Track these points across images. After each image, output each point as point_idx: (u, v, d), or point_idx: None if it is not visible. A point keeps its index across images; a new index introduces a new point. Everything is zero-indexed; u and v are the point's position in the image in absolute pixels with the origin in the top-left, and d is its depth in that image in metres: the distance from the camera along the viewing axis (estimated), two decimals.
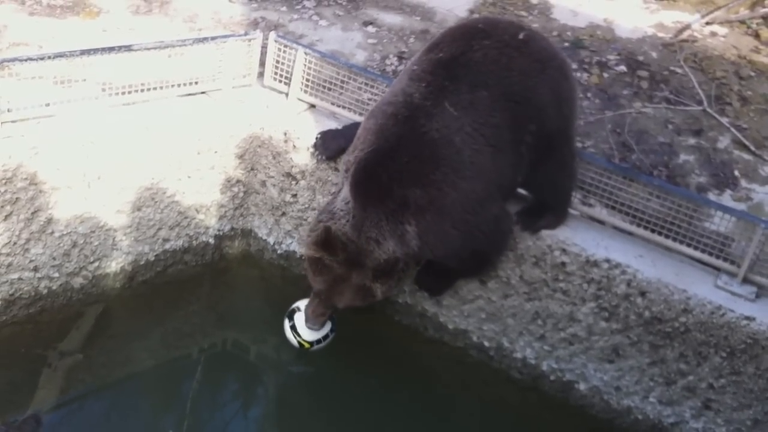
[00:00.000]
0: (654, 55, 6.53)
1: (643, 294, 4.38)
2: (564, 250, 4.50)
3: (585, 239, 4.51)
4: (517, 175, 4.33)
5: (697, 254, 4.45)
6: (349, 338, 4.98)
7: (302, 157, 5.02)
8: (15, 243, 4.49)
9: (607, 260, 4.42)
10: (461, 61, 4.20)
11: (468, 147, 4.12)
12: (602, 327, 4.54)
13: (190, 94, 4.99)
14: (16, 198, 4.40)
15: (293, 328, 4.57)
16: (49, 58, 4.54)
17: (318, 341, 4.58)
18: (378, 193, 4.11)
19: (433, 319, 5.03)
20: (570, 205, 4.65)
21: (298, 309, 4.58)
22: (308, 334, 4.55)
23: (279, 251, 5.38)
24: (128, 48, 4.75)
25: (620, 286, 4.42)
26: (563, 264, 4.51)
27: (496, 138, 4.17)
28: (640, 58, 6.45)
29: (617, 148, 5.48)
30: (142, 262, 5.06)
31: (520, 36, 4.31)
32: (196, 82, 5.00)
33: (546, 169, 4.38)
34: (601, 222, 4.68)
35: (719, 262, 4.41)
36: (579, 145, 5.41)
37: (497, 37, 4.28)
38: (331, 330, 4.62)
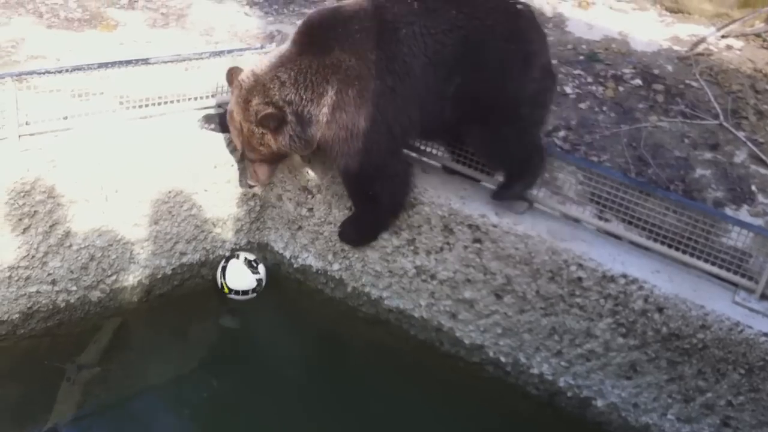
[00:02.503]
0: (669, 68, 6.53)
1: (660, 310, 4.36)
2: (580, 265, 4.49)
3: (601, 254, 4.50)
4: (437, 111, 4.40)
5: (715, 270, 4.43)
6: (362, 352, 5.00)
7: (318, 171, 5.03)
8: (33, 256, 4.51)
9: (624, 275, 4.41)
10: None
11: (407, 45, 4.29)
12: (619, 343, 4.52)
13: (206, 107, 5.01)
14: (35, 211, 4.42)
15: (223, 269, 5.13)
16: (67, 71, 4.55)
17: (237, 292, 5.10)
18: (320, 45, 4.31)
19: (448, 334, 5.02)
20: (533, 173, 4.65)
21: (237, 257, 5.12)
22: (232, 281, 5.07)
23: (295, 265, 5.38)
24: (145, 61, 4.77)
25: (637, 301, 4.40)
26: (580, 279, 4.50)
27: (436, 54, 4.31)
28: (656, 71, 6.45)
29: (633, 162, 5.47)
30: (159, 276, 5.07)
31: (519, 5, 4.48)
32: (213, 96, 5.02)
33: (485, 139, 4.52)
34: (617, 237, 4.66)
35: (737, 278, 4.38)
36: (594, 158, 5.42)
37: None
38: (254, 290, 5.10)
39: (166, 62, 4.82)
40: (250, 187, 4.91)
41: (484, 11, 4.40)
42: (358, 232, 4.98)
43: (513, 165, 4.65)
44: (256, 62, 4.51)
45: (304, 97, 4.33)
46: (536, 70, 4.50)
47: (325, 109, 4.34)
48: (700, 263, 4.44)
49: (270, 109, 4.33)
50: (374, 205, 4.74)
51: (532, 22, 4.55)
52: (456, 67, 4.35)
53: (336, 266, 5.24)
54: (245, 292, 5.10)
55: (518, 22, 4.47)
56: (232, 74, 4.52)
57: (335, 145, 4.45)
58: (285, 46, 4.46)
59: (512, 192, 4.69)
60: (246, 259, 5.14)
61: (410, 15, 4.31)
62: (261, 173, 4.73)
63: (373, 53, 4.28)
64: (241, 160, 4.82)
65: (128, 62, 4.72)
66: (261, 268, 5.18)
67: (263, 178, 4.78)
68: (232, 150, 4.86)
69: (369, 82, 4.30)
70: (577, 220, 4.74)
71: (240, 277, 5.10)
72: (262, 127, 4.40)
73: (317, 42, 4.34)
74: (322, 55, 4.30)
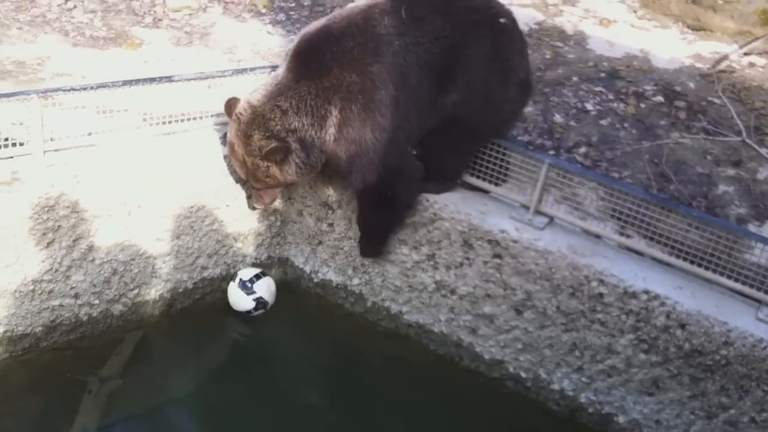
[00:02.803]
0: (691, 85, 6.50)
1: (682, 326, 4.32)
2: (602, 281, 4.46)
3: (623, 270, 4.48)
4: (429, 117, 4.50)
5: (738, 286, 4.38)
6: (382, 367, 4.99)
7: (338, 187, 5.06)
8: (56, 270, 4.56)
9: (646, 291, 4.38)
10: None
11: (402, 56, 4.35)
12: (641, 359, 4.49)
13: (228, 123, 5.06)
14: (58, 225, 4.47)
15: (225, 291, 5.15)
16: (92, 88, 4.62)
17: (240, 313, 5.10)
18: (317, 68, 4.33)
19: (468, 349, 5.01)
20: (455, 182, 4.84)
21: (233, 278, 5.10)
22: (232, 303, 5.09)
23: (315, 280, 5.40)
24: (169, 79, 4.83)
25: (659, 317, 4.37)
26: (601, 295, 4.48)
27: (428, 64, 4.40)
28: (678, 88, 6.42)
29: (655, 179, 5.44)
30: (180, 290, 5.10)
31: (502, 20, 4.58)
32: None
33: (439, 143, 4.59)
34: (639, 253, 4.63)
35: (760, 294, 4.33)
36: (615, 174, 5.40)
37: (486, 5, 4.60)
38: (256, 309, 5.06)
39: (189, 80, 4.89)
40: (255, 209, 4.94)
41: (468, 24, 4.46)
42: (375, 243, 4.99)
43: (448, 168, 4.79)
44: (251, 93, 4.50)
45: (306, 122, 4.37)
46: (513, 89, 4.65)
47: (331, 129, 4.38)
48: (723, 279, 4.40)
49: (274, 143, 4.36)
50: (389, 210, 4.78)
51: (514, 35, 4.65)
52: (444, 76, 4.44)
53: (356, 281, 5.25)
54: (248, 312, 5.09)
55: (500, 38, 4.56)
56: (231, 106, 4.53)
57: (348, 160, 4.47)
58: (280, 72, 4.46)
59: (426, 188, 4.77)
60: (241, 280, 5.08)
61: (401, 26, 4.36)
62: (267, 197, 4.78)
63: (373, 66, 4.33)
64: (247, 183, 4.85)
65: (152, 80, 4.79)
66: (259, 285, 5.09)
67: (269, 201, 4.83)
68: (237, 179, 4.90)
69: (373, 94, 4.34)
70: (597, 236, 4.72)
71: (236, 299, 5.10)
72: (267, 161, 4.43)
73: (314, 65, 4.35)
74: (320, 77, 4.33)
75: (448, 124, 4.55)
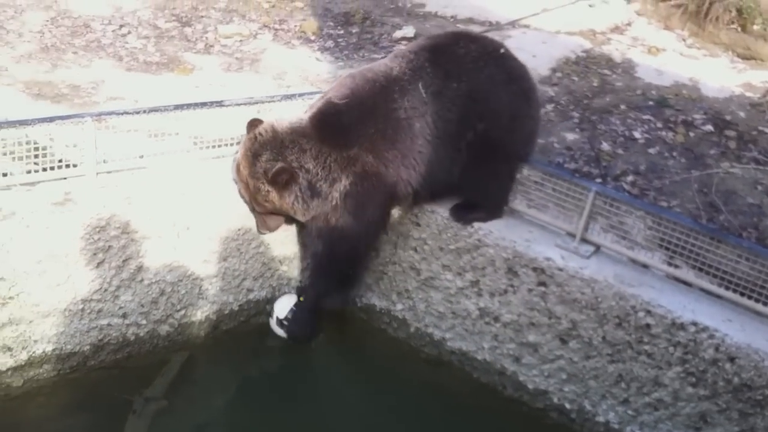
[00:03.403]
0: (742, 114, 6.43)
1: (732, 359, 4.24)
2: (649, 312, 4.40)
3: (671, 301, 4.41)
4: (453, 167, 4.65)
5: None
6: (424, 393, 4.96)
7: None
8: (106, 290, 4.63)
9: (694, 323, 4.31)
10: (444, 51, 4.68)
11: (422, 136, 4.56)
12: (689, 392, 4.41)
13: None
14: (109, 246, 4.55)
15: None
16: (144, 112, 4.74)
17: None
18: (342, 141, 4.54)
19: (512, 378, 4.96)
20: (502, 208, 4.89)
21: (270, 314, 5.08)
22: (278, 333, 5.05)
23: (359, 304, 5.41)
24: (219, 103, 4.93)
25: (708, 350, 4.29)
26: (648, 326, 4.42)
27: (446, 132, 4.59)
28: (728, 117, 6.35)
29: (704, 209, 5.37)
30: (226, 312, 5.15)
31: (501, 50, 4.77)
32: None
33: (480, 174, 4.68)
34: (687, 284, 4.56)
35: None
36: (664, 204, 5.34)
37: (482, 44, 4.80)
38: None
39: (239, 105, 4.98)
40: (262, 233, 4.98)
41: (478, 65, 4.62)
42: (307, 321, 5.05)
43: (491, 197, 4.84)
44: (277, 119, 4.66)
45: (320, 173, 4.53)
46: (534, 107, 4.86)
47: (335, 194, 4.56)
48: None
49: (281, 164, 4.49)
50: (336, 280, 4.95)
51: (516, 61, 4.82)
52: (466, 117, 4.58)
53: (399, 306, 5.25)
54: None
55: (508, 63, 4.75)
56: (253, 125, 4.65)
57: (336, 226, 4.63)
58: (305, 120, 4.59)
59: (475, 216, 4.83)
60: (278, 318, 5.06)
61: (422, 106, 4.56)
62: (271, 223, 4.87)
63: (389, 152, 4.54)
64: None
65: (203, 104, 4.89)
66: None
67: (273, 227, 4.90)
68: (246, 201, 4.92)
69: (383, 179, 4.56)
70: (645, 266, 4.66)
71: (278, 333, 5.09)
72: (270, 184, 4.54)
73: (339, 139, 4.55)
74: (341, 148, 4.53)
75: (482, 154, 4.61)
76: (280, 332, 5.06)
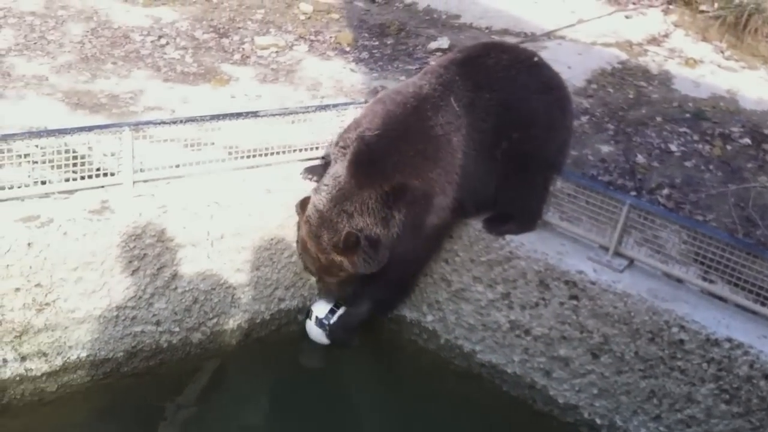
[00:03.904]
0: None
1: (766, 377, 4.17)
2: (682, 327, 4.35)
3: (705, 317, 4.36)
4: (492, 179, 4.62)
5: None
6: (453, 406, 4.94)
7: None
8: (140, 297, 4.69)
9: (729, 339, 4.25)
10: (475, 63, 4.66)
11: (461, 149, 4.53)
12: (722, 410, 4.34)
13: (310, 159, 5.16)
14: (144, 254, 4.61)
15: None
16: (181, 122, 4.81)
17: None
18: (380, 176, 4.49)
19: (542, 392, 4.93)
20: (536, 220, 4.85)
21: (309, 315, 5.13)
22: (315, 338, 5.11)
23: (390, 315, 5.42)
24: (255, 114, 4.98)
25: (742, 367, 4.23)
26: (681, 341, 4.37)
27: (482, 143, 4.56)
28: (766, 131, 6.27)
29: (740, 223, 5.30)
30: (258, 320, 5.18)
31: (535, 59, 4.77)
32: (317, 148, 5.18)
33: (513, 185, 4.65)
34: (722, 299, 4.51)
35: None
36: (699, 217, 5.29)
37: (514, 53, 4.81)
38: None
39: (274, 115, 5.03)
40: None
41: (510, 74, 4.61)
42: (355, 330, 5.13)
43: (525, 208, 4.81)
44: (315, 193, 4.68)
45: (370, 222, 4.55)
46: (568, 117, 4.82)
47: (395, 230, 4.58)
48: None
49: (346, 230, 4.53)
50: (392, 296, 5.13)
51: (551, 69, 4.79)
52: (499, 126, 4.55)
53: (429, 318, 5.25)
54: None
55: (542, 71, 4.73)
56: (303, 205, 4.73)
57: (397, 252, 4.68)
58: (341, 174, 4.57)
59: (508, 229, 4.81)
60: (317, 318, 5.11)
61: (456, 120, 4.52)
62: (337, 291, 4.97)
63: (433, 172, 4.52)
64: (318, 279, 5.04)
65: (239, 115, 4.94)
66: (335, 322, 5.09)
67: (338, 295, 5.01)
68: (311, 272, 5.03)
69: (432, 200, 4.55)
70: (679, 281, 4.61)
71: (317, 335, 5.14)
72: (342, 254, 4.59)
73: (376, 174, 4.53)
74: (382, 184, 4.51)
75: (516, 164, 4.60)
76: (318, 333, 5.10)
